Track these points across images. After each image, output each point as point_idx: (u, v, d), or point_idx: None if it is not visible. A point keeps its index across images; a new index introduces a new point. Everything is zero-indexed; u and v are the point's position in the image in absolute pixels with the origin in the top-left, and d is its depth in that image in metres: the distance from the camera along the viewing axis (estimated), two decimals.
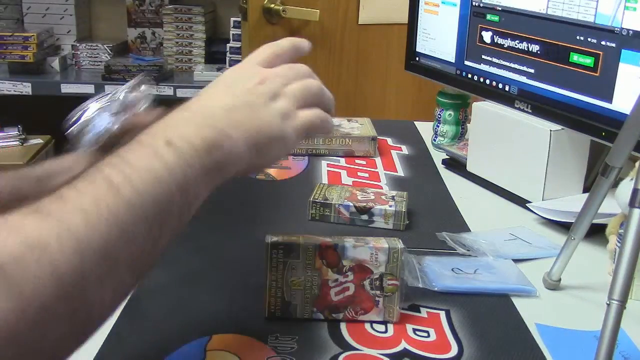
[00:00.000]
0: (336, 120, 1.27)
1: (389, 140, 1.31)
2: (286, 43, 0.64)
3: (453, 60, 1.17)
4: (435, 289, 0.74)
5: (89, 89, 2.47)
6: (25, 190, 0.80)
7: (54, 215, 0.41)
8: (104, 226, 0.42)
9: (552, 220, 0.92)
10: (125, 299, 0.46)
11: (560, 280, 0.77)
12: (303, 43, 0.65)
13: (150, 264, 0.47)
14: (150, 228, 0.45)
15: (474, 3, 1.09)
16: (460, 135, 1.27)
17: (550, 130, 0.96)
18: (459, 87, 1.19)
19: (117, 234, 0.43)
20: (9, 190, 0.81)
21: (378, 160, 1.20)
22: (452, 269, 0.79)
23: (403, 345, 0.65)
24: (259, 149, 0.55)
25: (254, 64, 0.61)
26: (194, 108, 0.54)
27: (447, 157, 1.19)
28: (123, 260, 0.43)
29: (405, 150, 1.27)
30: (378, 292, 0.67)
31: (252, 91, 0.57)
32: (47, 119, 1.72)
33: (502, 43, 1.05)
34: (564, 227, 0.89)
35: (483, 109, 1.08)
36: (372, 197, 0.93)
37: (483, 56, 1.09)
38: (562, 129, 0.96)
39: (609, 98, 0.88)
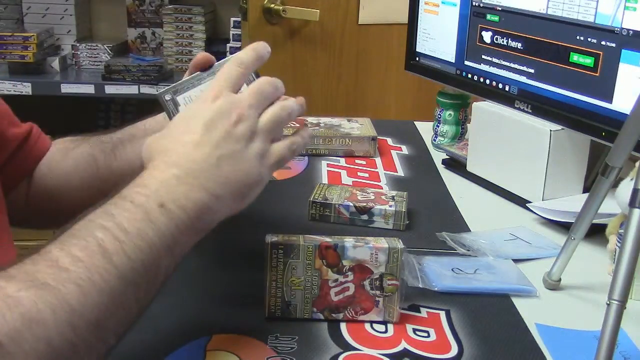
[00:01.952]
0: (336, 120, 1.27)
1: (389, 140, 1.31)
2: (250, 56, 0.64)
3: (453, 60, 1.17)
4: (435, 289, 0.74)
5: (89, 89, 2.47)
6: (101, 161, 0.84)
7: (50, 287, 0.42)
8: (97, 296, 0.44)
9: (552, 220, 0.92)
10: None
11: (560, 280, 0.77)
12: (264, 49, 0.66)
13: (132, 323, 0.49)
14: (138, 291, 0.48)
15: (474, 3, 1.09)
16: (460, 135, 1.27)
17: (550, 130, 0.96)
18: (459, 87, 1.19)
19: (109, 302, 0.45)
20: (86, 159, 0.85)
21: (378, 160, 1.20)
22: (452, 269, 0.79)
23: (403, 345, 0.65)
24: (242, 197, 0.58)
25: (227, 92, 0.61)
26: (182, 162, 0.56)
27: (447, 157, 1.19)
28: (111, 326, 0.46)
29: (405, 150, 1.27)
30: (378, 292, 0.67)
31: (231, 135, 0.58)
32: (47, 119, 1.72)
33: (502, 43, 1.05)
34: (564, 227, 0.89)
35: (483, 109, 1.08)
36: (372, 197, 0.93)
37: (483, 56, 1.09)
38: (562, 129, 0.96)
39: (609, 98, 0.88)
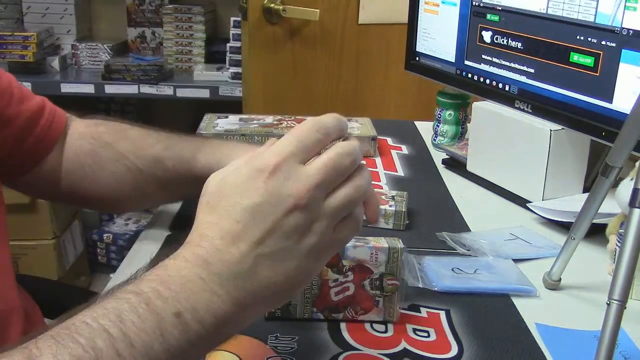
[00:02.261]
0: None
1: (389, 140, 1.31)
2: (335, 125, 0.53)
3: (453, 60, 1.17)
4: (435, 289, 0.74)
5: (89, 88, 2.47)
6: (147, 184, 0.82)
7: None
8: None
9: (552, 220, 0.92)
10: None
11: (560, 280, 0.77)
12: (346, 124, 0.55)
13: None
14: None
15: (474, 3, 1.09)
16: (460, 135, 1.27)
17: (551, 130, 0.96)
18: (459, 86, 1.19)
19: None
20: (126, 177, 0.82)
21: (378, 160, 1.20)
22: (452, 269, 0.79)
23: (403, 345, 0.65)
24: (277, 302, 0.51)
25: (292, 164, 0.49)
26: (213, 261, 0.47)
27: (447, 156, 1.19)
28: None
29: (405, 150, 1.27)
30: (378, 292, 0.67)
31: (281, 228, 0.47)
32: None
33: (502, 43, 1.05)
34: (564, 227, 0.89)
35: (483, 109, 1.08)
36: None
37: (483, 56, 1.09)
38: (562, 128, 0.96)
39: (609, 98, 0.88)
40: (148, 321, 0.44)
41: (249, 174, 0.49)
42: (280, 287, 0.48)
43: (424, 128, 1.39)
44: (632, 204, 0.56)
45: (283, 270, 0.48)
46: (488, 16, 1.07)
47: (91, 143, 0.84)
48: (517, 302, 0.74)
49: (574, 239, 0.73)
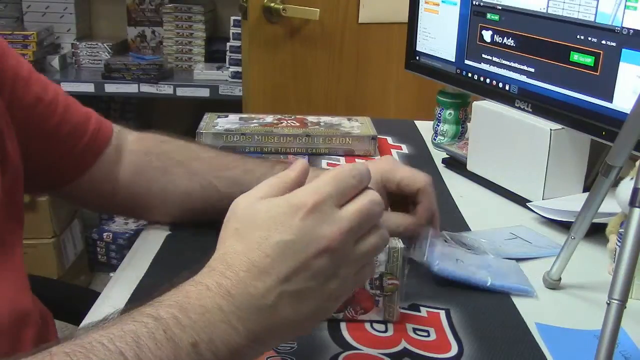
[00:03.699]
0: (336, 119, 1.27)
1: (389, 140, 1.31)
2: (368, 174, 0.53)
3: (453, 60, 1.17)
4: (435, 268, 0.74)
5: (89, 87, 2.47)
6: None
7: None
8: None
9: (552, 219, 0.92)
10: None
11: (560, 279, 0.76)
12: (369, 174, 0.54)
13: None
14: None
15: (474, 2, 1.09)
16: (460, 135, 1.26)
17: (551, 130, 0.96)
18: (459, 86, 1.19)
19: None
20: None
21: (382, 157, 1.20)
22: (457, 260, 0.78)
23: (403, 344, 0.65)
24: (291, 338, 0.53)
25: (329, 207, 0.49)
26: (235, 292, 0.47)
27: (447, 156, 1.19)
28: None
29: (405, 149, 1.27)
30: (378, 292, 0.67)
31: (309, 268, 0.48)
32: None
33: (503, 42, 1.05)
34: (564, 226, 0.89)
35: (483, 108, 1.08)
36: None
37: (483, 55, 1.09)
38: (563, 128, 0.96)
39: (609, 97, 0.88)
40: (164, 348, 0.44)
41: (285, 209, 0.49)
42: (297, 325, 0.49)
43: (424, 127, 1.38)
44: (632, 203, 0.56)
45: (303, 310, 0.48)
46: (488, 15, 1.07)
47: (161, 160, 0.86)
48: (517, 302, 0.73)
49: (574, 238, 0.73)
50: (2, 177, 0.68)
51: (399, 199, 0.80)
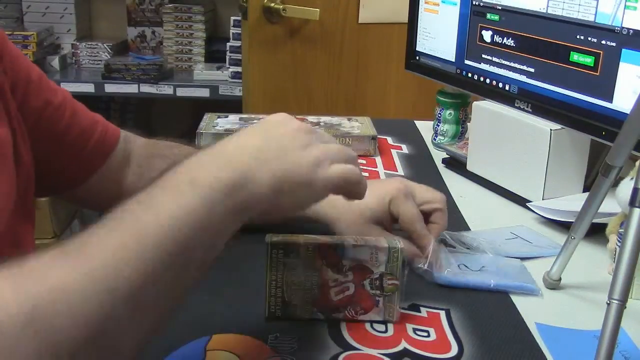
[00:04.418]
0: (336, 120, 1.27)
1: (389, 140, 1.31)
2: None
3: (453, 60, 1.17)
4: (436, 279, 0.75)
5: (89, 87, 2.47)
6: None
7: (85, 257, 0.42)
8: (131, 269, 0.42)
9: (552, 219, 0.92)
10: (147, 344, 0.46)
11: (560, 279, 0.76)
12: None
13: (171, 307, 0.48)
14: (176, 269, 0.46)
15: (474, 2, 1.09)
16: (460, 135, 1.26)
17: (551, 130, 0.96)
18: (459, 86, 1.19)
19: (143, 277, 0.43)
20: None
21: (378, 159, 1.20)
22: (459, 265, 0.78)
23: (403, 344, 0.65)
24: (284, 192, 0.54)
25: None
26: (221, 149, 0.54)
27: (447, 156, 1.19)
28: (149, 301, 0.44)
29: (405, 149, 1.27)
30: (378, 292, 0.67)
31: (287, 135, 0.56)
32: None
33: (502, 42, 1.05)
34: (564, 226, 0.89)
35: (483, 108, 1.08)
36: None
37: (483, 55, 1.09)
38: (563, 128, 0.96)
39: (609, 97, 0.88)
40: (168, 194, 0.48)
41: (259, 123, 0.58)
42: (284, 169, 0.53)
43: (424, 127, 1.38)
44: (632, 203, 0.56)
45: (284, 159, 0.54)
46: (488, 15, 1.07)
47: (167, 163, 0.86)
48: (517, 301, 0.73)
49: (574, 238, 0.73)
50: (16, 178, 0.69)
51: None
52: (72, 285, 0.40)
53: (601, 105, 0.90)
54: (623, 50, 0.85)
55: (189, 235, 0.47)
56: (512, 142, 1.03)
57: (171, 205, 0.47)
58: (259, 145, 0.54)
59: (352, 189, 0.60)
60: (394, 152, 1.24)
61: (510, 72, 1.04)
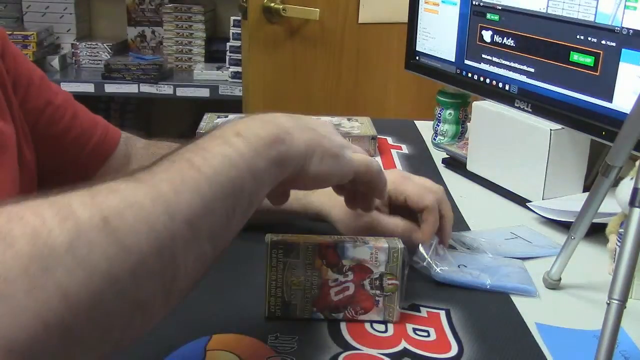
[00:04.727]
0: (336, 119, 1.27)
1: (389, 140, 1.31)
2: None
3: (453, 60, 1.17)
4: (435, 276, 0.74)
5: (89, 87, 2.47)
6: None
7: (146, 182, 0.45)
8: (188, 195, 0.45)
9: (552, 219, 0.92)
10: (207, 271, 0.49)
11: (560, 279, 0.76)
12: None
13: (225, 241, 0.50)
14: (226, 206, 0.49)
15: (474, 2, 1.09)
16: (460, 135, 1.27)
17: (551, 130, 0.96)
18: (459, 86, 1.19)
19: (200, 204, 0.46)
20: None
21: (378, 159, 1.20)
22: (459, 266, 0.78)
23: (403, 344, 0.65)
24: (314, 156, 0.57)
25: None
26: (259, 116, 0.57)
27: (447, 156, 1.19)
28: (204, 230, 0.47)
29: (405, 149, 1.27)
30: (378, 292, 0.67)
31: (316, 121, 0.60)
32: None
33: (502, 42, 1.05)
34: (564, 226, 0.89)
35: (483, 108, 1.08)
36: None
37: (483, 55, 1.09)
38: (562, 128, 0.96)
39: (609, 97, 0.88)
40: (217, 141, 0.51)
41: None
42: (316, 139, 0.57)
43: (424, 127, 1.38)
44: (632, 203, 0.56)
45: (317, 133, 0.58)
46: (488, 15, 1.07)
47: None
48: (517, 301, 0.73)
49: (574, 238, 0.73)
50: (20, 178, 0.69)
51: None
52: (140, 202, 0.42)
53: (601, 105, 0.90)
54: (623, 50, 0.85)
55: (237, 176, 0.49)
56: (512, 142, 1.03)
57: (220, 148, 0.50)
58: (293, 120, 0.58)
59: (373, 178, 0.64)
60: (394, 152, 1.24)
61: (510, 72, 1.04)
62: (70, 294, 0.37)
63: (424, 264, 0.75)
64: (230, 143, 0.51)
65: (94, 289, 0.38)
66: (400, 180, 0.79)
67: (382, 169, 0.65)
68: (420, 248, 0.77)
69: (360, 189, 0.67)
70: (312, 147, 0.57)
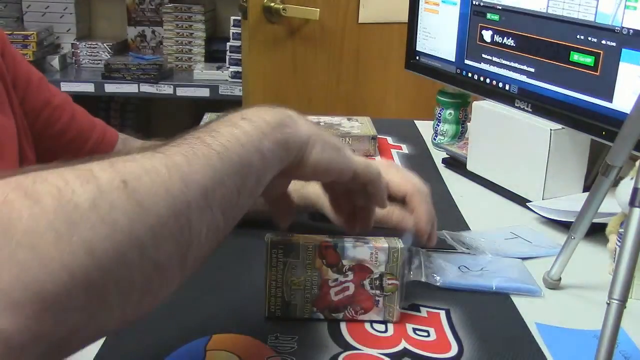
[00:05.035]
0: (336, 119, 1.27)
1: (389, 139, 1.31)
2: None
3: (453, 59, 1.17)
4: (438, 284, 0.74)
5: (89, 87, 2.47)
6: None
7: (161, 153, 0.47)
8: (201, 167, 0.47)
9: (552, 219, 0.92)
10: (218, 245, 0.50)
11: (560, 279, 0.76)
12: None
13: (235, 216, 0.51)
14: (236, 181, 0.50)
15: (474, 2, 1.09)
16: (460, 135, 1.27)
17: (551, 130, 0.96)
18: (459, 86, 1.19)
19: (212, 175, 0.48)
20: None
21: (378, 159, 1.20)
22: (459, 267, 0.78)
23: (403, 344, 0.65)
24: (316, 145, 0.59)
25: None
26: (264, 106, 0.60)
27: (447, 156, 1.19)
28: (217, 200, 0.48)
29: (405, 149, 1.27)
30: (378, 292, 0.67)
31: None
32: None
33: (503, 42, 1.05)
34: (564, 226, 0.89)
35: (483, 108, 1.08)
36: None
37: (483, 55, 1.09)
38: (563, 128, 0.96)
39: (609, 97, 0.88)
40: (225, 124, 0.53)
41: None
42: (319, 131, 0.60)
43: (424, 127, 1.38)
44: (632, 203, 0.56)
45: (320, 131, 0.61)
46: (488, 15, 1.07)
47: None
48: (517, 301, 0.73)
49: (574, 238, 0.73)
50: None
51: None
52: (156, 168, 0.44)
53: (601, 105, 0.90)
54: (623, 50, 0.85)
55: (246, 153, 0.51)
56: (512, 142, 1.03)
57: (229, 129, 0.52)
58: (297, 113, 0.61)
59: (372, 180, 0.64)
60: (394, 152, 1.24)
61: (510, 72, 1.04)
62: (95, 248, 0.38)
63: (424, 278, 0.75)
64: (238, 125, 0.53)
65: (116, 245, 0.39)
66: (384, 169, 0.79)
67: (383, 174, 0.66)
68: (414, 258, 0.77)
69: (359, 202, 0.68)
70: (314, 137, 0.59)
